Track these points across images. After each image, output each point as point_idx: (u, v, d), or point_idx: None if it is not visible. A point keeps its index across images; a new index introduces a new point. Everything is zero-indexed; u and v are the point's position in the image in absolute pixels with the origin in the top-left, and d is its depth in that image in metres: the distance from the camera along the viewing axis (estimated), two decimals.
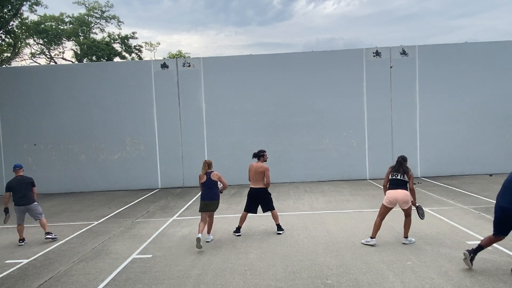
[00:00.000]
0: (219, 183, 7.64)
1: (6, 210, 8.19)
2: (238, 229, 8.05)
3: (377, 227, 7.03)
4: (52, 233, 8.25)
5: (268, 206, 8.00)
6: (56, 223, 9.86)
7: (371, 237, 7.02)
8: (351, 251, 6.63)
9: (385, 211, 6.99)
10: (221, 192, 7.66)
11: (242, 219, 8.07)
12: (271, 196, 8.06)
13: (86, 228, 9.20)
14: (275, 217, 8.02)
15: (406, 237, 6.98)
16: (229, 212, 9.99)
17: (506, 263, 5.77)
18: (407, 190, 6.84)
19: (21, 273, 6.34)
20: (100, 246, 7.67)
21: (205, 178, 7.54)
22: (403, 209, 6.88)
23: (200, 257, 6.65)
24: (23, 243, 8.05)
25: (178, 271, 6.07)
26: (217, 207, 7.61)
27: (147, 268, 6.26)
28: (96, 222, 9.81)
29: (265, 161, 8.04)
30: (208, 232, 7.72)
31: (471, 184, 13.00)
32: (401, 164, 7.02)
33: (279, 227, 8.03)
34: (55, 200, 13.23)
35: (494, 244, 6.59)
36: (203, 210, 7.46)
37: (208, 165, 7.63)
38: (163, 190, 14.89)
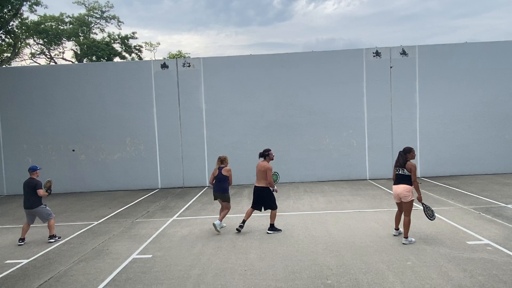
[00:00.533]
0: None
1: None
2: (243, 222, 8.17)
3: (396, 219, 7.37)
4: (55, 237, 8.18)
5: (268, 205, 8.07)
6: (56, 223, 9.84)
7: (395, 229, 7.41)
8: (351, 251, 6.63)
9: (397, 205, 7.30)
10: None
11: (248, 214, 8.21)
12: (273, 195, 8.05)
13: (86, 228, 9.20)
14: (271, 216, 8.08)
15: (406, 237, 6.93)
16: (229, 212, 9.96)
17: (506, 263, 5.77)
18: (407, 184, 6.87)
19: (21, 273, 6.34)
20: (100, 246, 7.67)
21: (217, 172, 8.42)
22: (403, 205, 6.95)
23: (200, 257, 6.65)
24: (22, 243, 8.04)
25: (178, 271, 6.07)
26: (226, 199, 8.41)
27: (147, 268, 6.26)
28: (96, 222, 9.81)
29: (271, 159, 8.10)
30: (220, 220, 8.32)
31: (471, 184, 13.01)
32: (399, 158, 7.06)
33: (271, 227, 8.05)
34: (55, 200, 13.22)
35: (494, 244, 6.61)
36: (216, 199, 8.55)
37: (221, 160, 8.53)
38: (163, 190, 14.89)
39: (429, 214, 7.00)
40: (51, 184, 8.23)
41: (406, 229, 6.90)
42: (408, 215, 6.90)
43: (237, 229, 8.09)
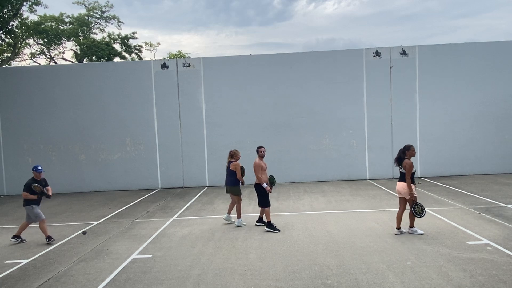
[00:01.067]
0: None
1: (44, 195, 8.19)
2: (259, 219, 8.67)
3: (398, 218, 7.49)
4: (52, 238, 8.11)
5: (259, 201, 8.31)
6: (56, 223, 9.87)
7: (397, 228, 7.50)
8: (351, 251, 6.63)
9: (399, 201, 7.53)
10: (242, 184, 8.76)
11: (261, 212, 8.64)
12: (264, 192, 8.14)
13: (86, 228, 9.19)
14: (265, 214, 8.25)
15: (410, 226, 7.38)
16: (222, 212, 9.96)
17: (506, 263, 5.77)
18: (405, 181, 7.19)
19: (21, 273, 6.35)
20: (100, 246, 7.67)
21: (227, 166, 8.79)
22: (408, 201, 7.26)
23: (200, 257, 6.66)
24: (14, 240, 8.11)
25: (178, 271, 6.07)
26: (234, 192, 8.71)
27: (147, 268, 6.27)
28: (96, 222, 9.81)
29: (261, 156, 8.30)
30: (238, 217, 8.72)
31: (471, 184, 13.00)
32: (397, 155, 7.40)
33: (268, 224, 8.16)
34: (55, 200, 13.22)
35: (494, 244, 6.62)
36: (227, 192, 8.95)
37: (231, 155, 8.80)
38: (163, 190, 14.89)
39: (417, 211, 7.17)
40: (41, 189, 8.05)
41: (411, 219, 7.35)
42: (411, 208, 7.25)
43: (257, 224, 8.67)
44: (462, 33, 64.72)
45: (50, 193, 8.28)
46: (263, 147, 8.40)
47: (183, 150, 15.44)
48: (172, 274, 5.93)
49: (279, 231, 8.06)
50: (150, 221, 9.64)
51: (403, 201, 7.43)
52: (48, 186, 8.37)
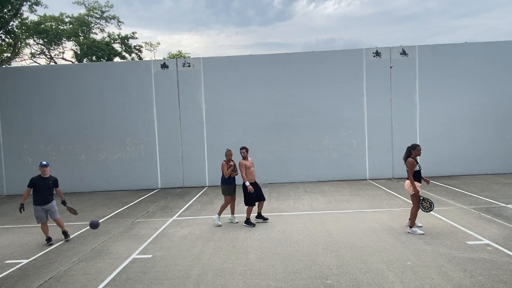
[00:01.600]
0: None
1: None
2: (258, 215, 8.93)
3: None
4: (51, 240, 8.09)
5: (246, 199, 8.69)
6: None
7: (409, 219, 7.74)
8: (351, 251, 6.63)
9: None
10: (235, 173, 8.87)
11: (259, 207, 8.95)
12: (245, 191, 8.57)
13: (86, 228, 9.19)
14: (246, 211, 8.66)
15: (411, 226, 7.47)
16: (228, 212, 9.96)
17: (506, 263, 5.77)
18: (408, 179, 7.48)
19: (21, 273, 6.35)
20: (100, 246, 7.67)
21: None
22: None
23: (200, 257, 6.66)
24: (66, 238, 8.19)
25: (178, 271, 6.07)
26: (222, 190, 8.89)
27: (147, 268, 6.27)
28: None
29: (243, 157, 8.65)
30: (218, 213, 8.93)
31: (471, 184, 13.00)
32: (406, 154, 7.61)
33: (246, 220, 8.64)
34: (55, 200, 13.18)
35: (494, 244, 6.62)
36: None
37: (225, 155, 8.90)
38: (163, 190, 14.89)
39: (425, 206, 7.38)
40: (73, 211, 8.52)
41: (412, 219, 7.45)
42: (414, 206, 7.42)
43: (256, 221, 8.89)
44: (462, 33, 64.78)
45: (61, 193, 8.52)
46: (244, 148, 8.70)
47: (183, 150, 15.44)
48: (172, 274, 5.93)
49: (254, 225, 8.52)
50: (150, 221, 9.64)
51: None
52: (58, 187, 8.38)
